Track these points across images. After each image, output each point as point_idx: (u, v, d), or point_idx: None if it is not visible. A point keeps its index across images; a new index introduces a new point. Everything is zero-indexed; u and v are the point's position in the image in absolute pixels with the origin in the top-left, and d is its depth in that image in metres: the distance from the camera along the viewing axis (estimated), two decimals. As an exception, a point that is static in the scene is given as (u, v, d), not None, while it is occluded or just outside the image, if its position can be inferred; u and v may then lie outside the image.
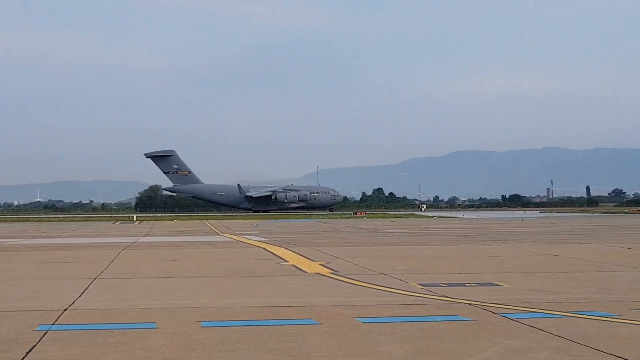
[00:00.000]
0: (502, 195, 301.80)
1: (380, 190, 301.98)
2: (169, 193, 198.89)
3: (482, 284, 19.39)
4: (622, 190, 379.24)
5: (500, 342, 11.74)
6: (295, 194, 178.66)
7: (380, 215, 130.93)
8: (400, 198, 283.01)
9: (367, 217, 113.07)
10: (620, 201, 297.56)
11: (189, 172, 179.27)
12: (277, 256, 29.97)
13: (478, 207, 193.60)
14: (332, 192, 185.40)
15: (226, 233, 54.57)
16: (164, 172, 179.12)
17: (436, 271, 23.15)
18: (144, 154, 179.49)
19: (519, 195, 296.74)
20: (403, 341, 11.94)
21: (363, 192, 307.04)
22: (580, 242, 39.55)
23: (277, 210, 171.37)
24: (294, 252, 32.18)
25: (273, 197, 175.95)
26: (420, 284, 19.32)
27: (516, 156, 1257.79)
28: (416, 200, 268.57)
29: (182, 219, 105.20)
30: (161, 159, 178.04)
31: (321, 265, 25.34)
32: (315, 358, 10.91)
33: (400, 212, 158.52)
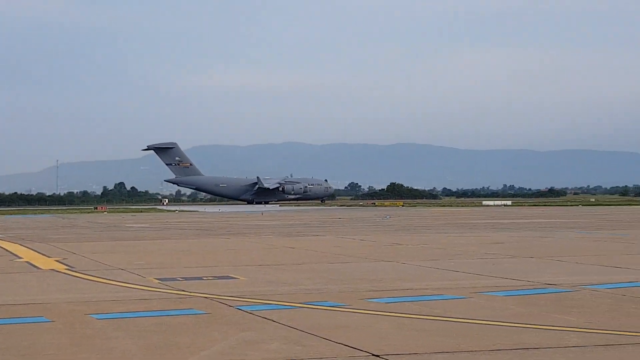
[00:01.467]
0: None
1: (122, 184, 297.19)
2: (171, 184, 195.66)
3: (219, 277, 19.61)
4: (357, 183, 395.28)
5: (234, 335, 11.93)
6: (301, 186, 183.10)
7: (121, 210, 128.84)
8: (143, 192, 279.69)
9: (107, 212, 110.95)
10: (355, 194, 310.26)
11: (190, 164, 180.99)
12: (11, 252, 28.83)
13: (220, 202, 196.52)
14: (324, 185, 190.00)
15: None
16: (166, 164, 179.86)
17: (175, 265, 23.15)
18: (147, 146, 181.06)
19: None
20: (136, 336, 11.87)
21: (104, 187, 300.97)
22: (316, 234, 40.85)
23: (276, 201, 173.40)
24: (29, 248, 31.08)
25: (280, 188, 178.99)
26: (158, 279, 19.25)
27: (257, 150, 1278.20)
28: (158, 194, 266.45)
29: None
30: (163, 151, 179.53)
31: (57, 261, 24.65)
32: (46, 356, 10.63)
33: (142, 207, 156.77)
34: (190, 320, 13.31)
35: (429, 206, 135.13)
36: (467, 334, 11.91)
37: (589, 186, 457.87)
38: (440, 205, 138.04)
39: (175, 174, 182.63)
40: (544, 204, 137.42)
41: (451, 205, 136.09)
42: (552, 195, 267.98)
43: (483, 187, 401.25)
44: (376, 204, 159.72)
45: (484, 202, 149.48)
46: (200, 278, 19.50)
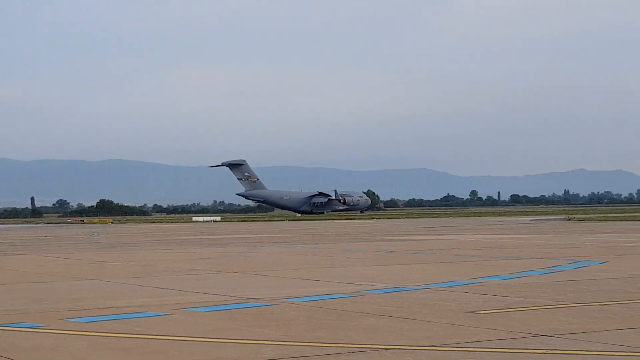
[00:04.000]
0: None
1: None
2: (241, 198, 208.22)
3: None
4: (66, 200, 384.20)
5: None
6: (358, 198, 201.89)
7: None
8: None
9: None
10: (64, 211, 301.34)
11: (257, 179, 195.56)
12: None
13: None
14: (365, 197, 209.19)
15: None
16: (238, 179, 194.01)
17: None
18: (222, 163, 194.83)
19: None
20: None
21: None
22: (20, 253, 39.27)
23: (331, 212, 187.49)
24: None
25: (342, 200, 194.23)
26: None
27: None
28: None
29: None
30: (236, 167, 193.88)
31: None
32: None
33: None
34: None
35: (138, 222, 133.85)
36: (165, 351, 11.95)
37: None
38: (150, 222, 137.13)
39: (245, 188, 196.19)
40: (251, 219, 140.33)
41: (161, 222, 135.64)
42: (260, 210, 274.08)
43: (194, 203, 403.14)
44: (85, 221, 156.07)
45: (194, 218, 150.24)
46: None
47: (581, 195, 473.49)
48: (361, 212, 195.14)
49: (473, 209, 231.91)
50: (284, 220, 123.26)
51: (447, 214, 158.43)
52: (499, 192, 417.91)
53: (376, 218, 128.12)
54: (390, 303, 17.03)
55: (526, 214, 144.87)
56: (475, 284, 20.42)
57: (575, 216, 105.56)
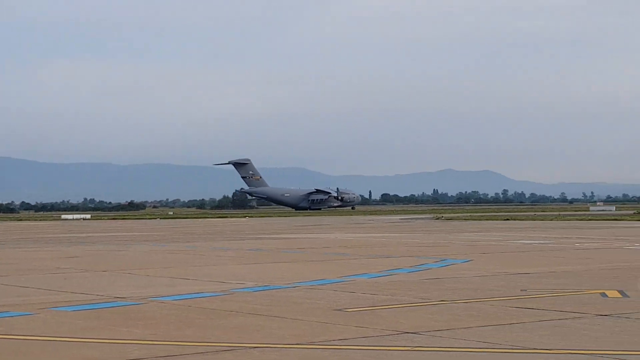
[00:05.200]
0: None
1: None
2: (247, 194, 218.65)
3: None
4: None
5: None
6: (353, 196, 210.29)
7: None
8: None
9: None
10: None
11: (260, 177, 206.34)
12: None
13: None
14: (357, 195, 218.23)
15: None
16: (242, 177, 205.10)
17: None
18: (228, 161, 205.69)
19: None
20: None
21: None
22: None
23: (327, 208, 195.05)
24: None
25: (339, 197, 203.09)
26: None
27: None
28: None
29: None
30: (241, 165, 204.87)
31: None
32: None
33: None
34: None
35: (5, 220, 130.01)
36: (29, 351, 11.69)
37: (168, 199, 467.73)
38: (18, 220, 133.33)
39: (249, 186, 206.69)
40: (123, 217, 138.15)
41: (29, 220, 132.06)
42: (132, 208, 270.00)
43: (63, 200, 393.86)
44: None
45: (63, 216, 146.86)
46: None
47: (449, 194, 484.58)
48: (352, 208, 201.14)
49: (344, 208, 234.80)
50: (155, 219, 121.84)
51: (319, 212, 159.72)
52: (370, 191, 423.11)
53: (249, 216, 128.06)
54: (259, 302, 17.08)
55: (396, 212, 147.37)
56: (344, 282, 20.67)
57: (443, 215, 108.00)
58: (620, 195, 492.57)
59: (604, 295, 17.58)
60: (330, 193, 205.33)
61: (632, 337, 12.50)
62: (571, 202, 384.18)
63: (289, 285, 20.06)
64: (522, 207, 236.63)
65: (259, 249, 36.64)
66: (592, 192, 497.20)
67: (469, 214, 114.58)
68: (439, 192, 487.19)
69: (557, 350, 11.56)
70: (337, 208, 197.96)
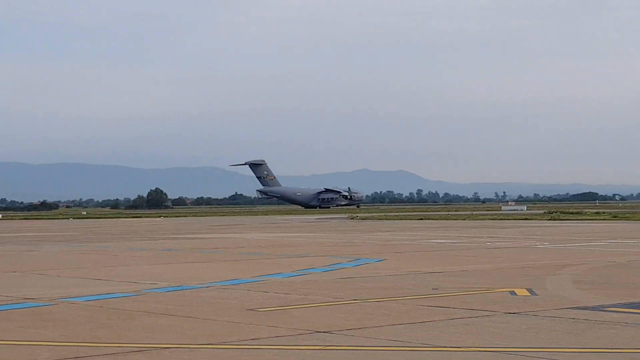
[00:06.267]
0: None
1: None
2: (261, 194, 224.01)
3: None
4: None
5: None
6: (360, 195, 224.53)
7: None
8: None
9: None
10: None
11: (274, 177, 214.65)
12: None
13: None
14: (361, 193, 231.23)
15: None
16: (257, 177, 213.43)
17: None
18: (245, 162, 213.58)
19: None
20: None
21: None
22: None
23: (336, 207, 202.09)
24: None
25: (348, 196, 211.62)
26: None
27: None
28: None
29: None
30: (257, 166, 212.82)
31: None
32: None
33: None
34: None
35: None
36: None
37: (81, 199, 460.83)
38: None
39: (263, 185, 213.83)
40: (35, 217, 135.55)
41: None
42: (44, 208, 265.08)
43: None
44: None
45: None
46: None
47: (365, 194, 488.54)
48: (357, 206, 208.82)
49: (261, 208, 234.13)
50: (68, 219, 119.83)
51: (235, 212, 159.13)
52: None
53: (164, 216, 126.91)
54: (172, 302, 16.97)
55: (312, 212, 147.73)
56: (257, 282, 20.67)
57: (358, 215, 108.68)
58: (531, 195, 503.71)
59: (513, 293, 17.93)
60: (340, 192, 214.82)
61: (539, 335, 12.78)
62: (484, 201, 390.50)
63: (202, 285, 19.97)
64: (436, 206, 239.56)
65: (173, 249, 36.37)
66: (504, 192, 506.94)
67: (383, 214, 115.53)
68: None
69: (467, 348, 11.76)
70: (344, 206, 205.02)
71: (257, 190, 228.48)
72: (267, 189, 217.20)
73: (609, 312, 14.96)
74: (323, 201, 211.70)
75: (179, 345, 12.03)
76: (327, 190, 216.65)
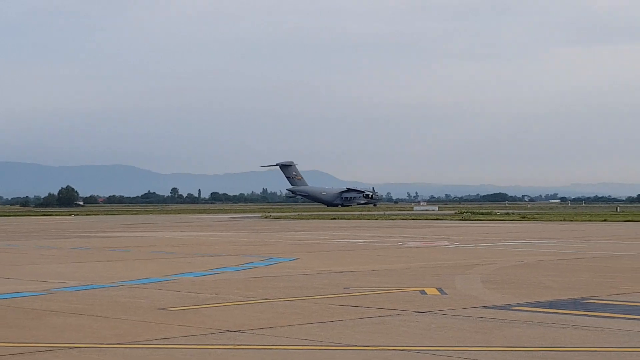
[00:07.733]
0: None
1: None
2: (290, 193, 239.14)
3: None
4: None
5: None
6: (380, 195, 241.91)
7: None
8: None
9: None
10: None
11: (302, 177, 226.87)
12: None
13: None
14: (380, 193, 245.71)
15: None
16: (287, 177, 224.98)
17: None
18: (276, 163, 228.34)
19: None
20: None
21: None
22: None
23: (356, 205, 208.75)
24: None
25: (370, 196, 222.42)
26: None
27: None
28: None
29: None
30: (286, 167, 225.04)
31: None
32: None
33: None
34: None
35: None
36: None
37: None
38: None
39: (292, 185, 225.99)
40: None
41: None
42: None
43: None
44: None
45: None
46: None
47: (278, 193, 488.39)
48: (374, 205, 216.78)
49: (173, 206, 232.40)
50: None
51: (147, 211, 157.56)
52: (199, 190, 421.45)
53: (75, 214, 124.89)
54: (81, 301, 16.74)
55: (225, 211, 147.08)
56: (169, 281, 20.53)
57: (271, 214, 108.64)
58: (443, 195, 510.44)
59: (423, 292, 18.17)
60: (362, 192, 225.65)
61: (448, 333, 12.99)
62: (396, 201, 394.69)
63: (113, 285, 19.74)
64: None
65: (83, 247, 35.83)
66: (416, 193, 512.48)
67: (297, 213, 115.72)
68: (268, 191, 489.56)
69: (377, 346, 11.88)
70: (363, 205, 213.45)
71: (286, 189, 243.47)
72: (296, 188, 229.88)
73: (516, 311, 15.28)
74: (345, 200, 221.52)
75: (88, 345, 11.88)
76: (349, 190, 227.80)
